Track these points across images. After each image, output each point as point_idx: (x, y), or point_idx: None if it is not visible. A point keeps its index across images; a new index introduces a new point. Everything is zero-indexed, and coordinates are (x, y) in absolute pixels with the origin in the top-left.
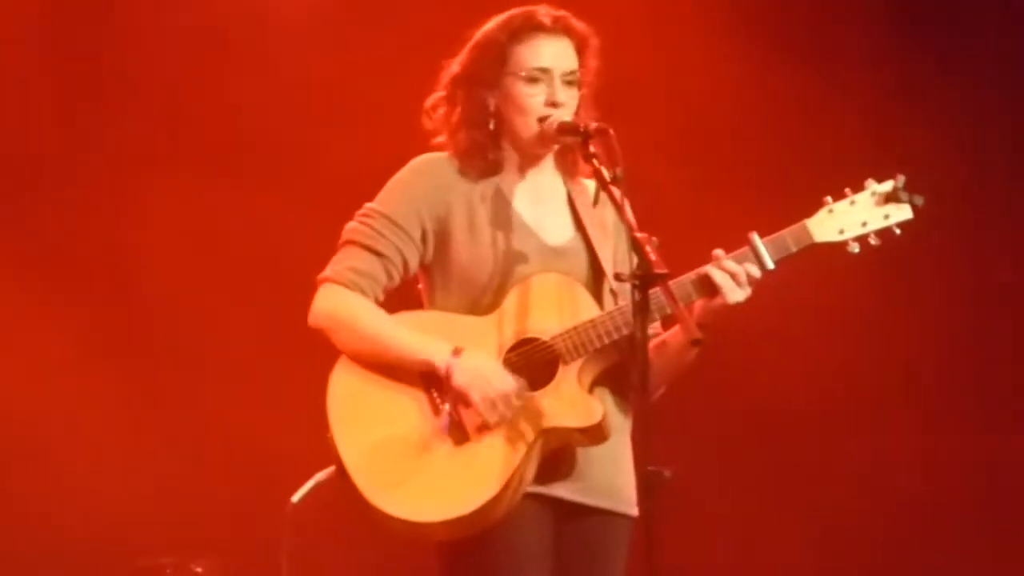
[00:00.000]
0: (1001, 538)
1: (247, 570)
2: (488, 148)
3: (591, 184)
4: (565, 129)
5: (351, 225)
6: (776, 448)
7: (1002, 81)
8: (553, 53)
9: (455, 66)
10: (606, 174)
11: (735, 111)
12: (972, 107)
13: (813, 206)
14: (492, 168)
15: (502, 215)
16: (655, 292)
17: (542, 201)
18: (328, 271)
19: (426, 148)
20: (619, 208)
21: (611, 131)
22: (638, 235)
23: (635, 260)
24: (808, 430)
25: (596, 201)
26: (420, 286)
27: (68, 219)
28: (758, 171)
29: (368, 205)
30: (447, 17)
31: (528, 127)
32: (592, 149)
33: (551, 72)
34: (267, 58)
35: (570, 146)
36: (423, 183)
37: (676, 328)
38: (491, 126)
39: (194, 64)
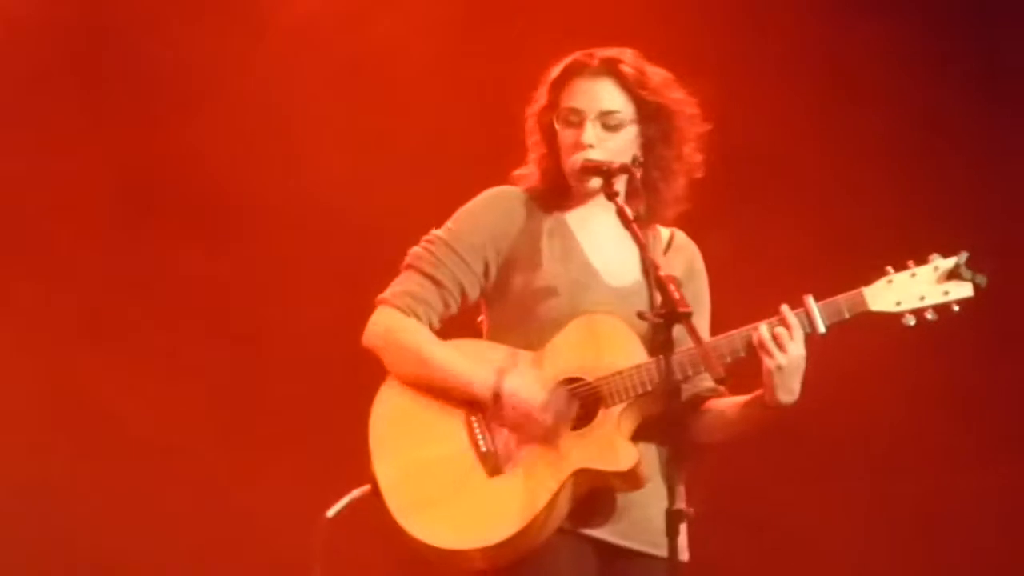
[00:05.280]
0: None
1: None
2: (558, 185)
3: (665, 231)
4: (588, 168)
5: (414, 250)
6: (823, 478)
7: None
8: (587, 94)
9: (533, 105)
10: (629, 212)
11: (798, 165)
12: None
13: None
14: (563, 205)
15: (566, 252)
16: (685, 355)
17: (610, 241)
18: (386, 293)
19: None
20: (642, 246)
21: (633, 170)
22: (662, 274)
23: (659, 298)
24: (859, 460)
25: (668, 248)
26: (481, 317)
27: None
28: (817, 231)
29: (434, 232)
30: None
31: (567, 167)
32: (616, 187)
33: (582, 113)
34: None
35: (636, 190)
36: (491, 215)
37: (748, 397)
38: (559, 164)
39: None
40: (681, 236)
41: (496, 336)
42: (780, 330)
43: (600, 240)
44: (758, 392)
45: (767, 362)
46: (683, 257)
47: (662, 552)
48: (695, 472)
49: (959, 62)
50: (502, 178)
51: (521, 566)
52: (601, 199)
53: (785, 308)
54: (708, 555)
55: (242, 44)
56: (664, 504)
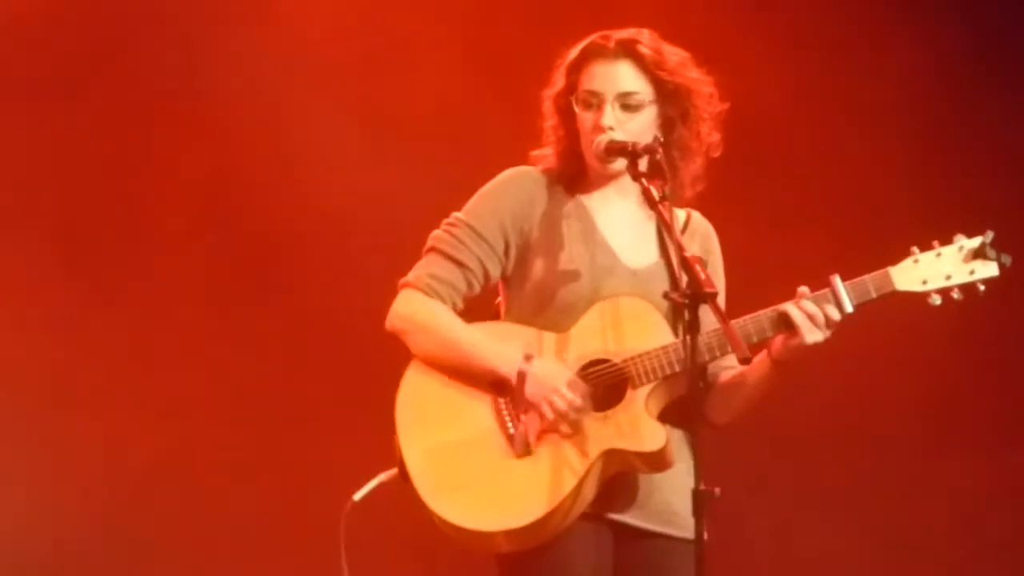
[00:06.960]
0: None
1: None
2: (576, 168)
3: (681, 213)
4: (612, 149)
5: (436, 233)
6: (842, 468)
7: None
8: (605, 76)
9: (550, 88)
10: (655, 193)
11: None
12: None
13: (894, 255)
14: (580, 187)
15: (584, 234)
16: (713, 336)
17: (628, 224)
18: (409, 276)
19: None
20: (667, 227)
21: (659, 150)
22: (687, 255)
23: (685, 279)
24: (873, 448)
25: (684, 229)
26: (499, 299)
27: None
28: (837, 214)
29: (455, 214)
30: None
31: (588, 149)
32: (642, 168)
33: (601, 95)
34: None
35: (660, 171)
36: (510, 196)
37: (754, 360)
38: (576, 147)
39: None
40: (697, 217)
41: (515, 316)
42: (816, 309)
43: (617, 222)
44: (762, 356)
45: (799, 340)
46: (699, 239)
47: (679, 532)
48: (711, 455)
49: (984, 39)
50: (516, 164)
51: (539, 549)
52: (617, 182)
53: (804, 290)
54: (728, 536)
55: (247, 34)
56: (682, 486)
